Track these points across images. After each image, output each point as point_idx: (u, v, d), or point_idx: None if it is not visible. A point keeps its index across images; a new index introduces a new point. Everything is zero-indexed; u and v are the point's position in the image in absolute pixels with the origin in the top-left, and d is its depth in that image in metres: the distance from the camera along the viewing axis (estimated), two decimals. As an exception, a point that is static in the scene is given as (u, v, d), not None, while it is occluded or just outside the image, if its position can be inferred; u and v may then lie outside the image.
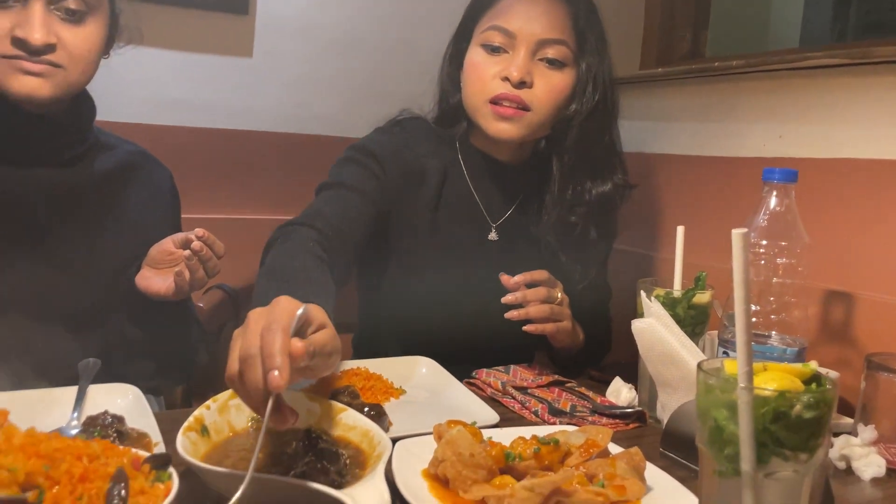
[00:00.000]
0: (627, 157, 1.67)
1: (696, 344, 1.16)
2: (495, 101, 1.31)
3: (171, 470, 0.67)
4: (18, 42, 1.06)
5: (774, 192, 1.09)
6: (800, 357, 1.06)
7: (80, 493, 0.59)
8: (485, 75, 1.32)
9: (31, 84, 1.08)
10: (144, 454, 0.68)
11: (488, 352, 1.41)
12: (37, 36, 1.05)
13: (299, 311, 0.77)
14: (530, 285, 1.26)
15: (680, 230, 1.20)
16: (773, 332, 1.09)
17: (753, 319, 1.10)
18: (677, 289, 1.17)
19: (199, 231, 1.11)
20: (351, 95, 1.98)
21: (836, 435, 1.02)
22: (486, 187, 1.44)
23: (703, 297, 1.15)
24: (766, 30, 2.64)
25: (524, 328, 1.26)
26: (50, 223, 1.18)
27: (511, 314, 1.24)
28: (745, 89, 1.50)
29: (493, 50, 1.32)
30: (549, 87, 1.31)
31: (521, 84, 1.29)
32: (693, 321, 1.14)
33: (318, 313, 0.81)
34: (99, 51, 1.15)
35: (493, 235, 1.44)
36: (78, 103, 1.20)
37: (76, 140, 1.22)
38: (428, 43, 1.50)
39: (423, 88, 1.49)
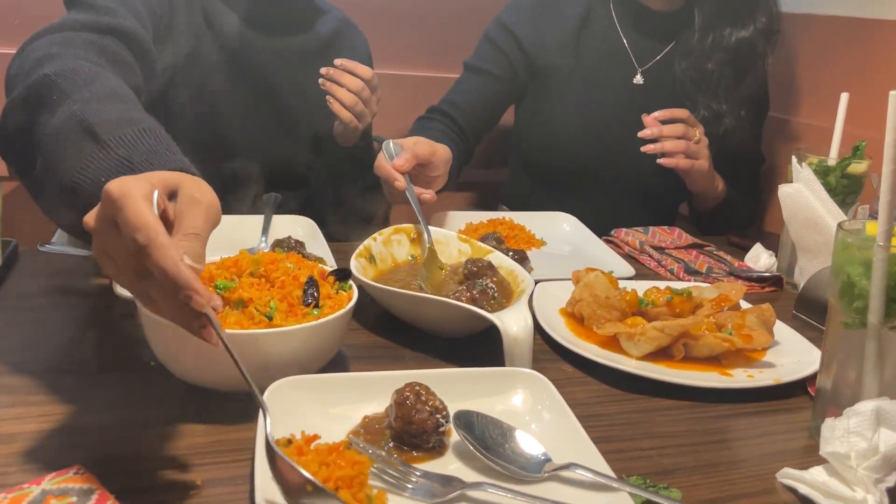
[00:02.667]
0: (791, 18, 1.58)
1: (846, 213, 1.15)
2: None
3: (351, 282, 0.80)
4: None
5: (954, 59, 1.02)
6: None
7: (284, 295, 0.72)
8: None
9: None
10: (328, 268, 0.81)
11: (629, 202, 1.48)
12: None
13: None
14: (670, 124, 1.34)
15: (844, 97, 1.16)
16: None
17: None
18: (833, 157, 1.14)
19: (338, 61, 1.24)
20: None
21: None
22: (634, 32, 1.48)
23: (858, 167, 1.13)
24: None
25: (658, 161, 1.34)
26: (286, 84, 1.32)
27: (647, 147, 1.33)
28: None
29: None
30: None
31: None
32: (845, 191, 1.13)
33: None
34: None
35: (638, 79, 1.48)
36: None
37: (305, 4, 1.35)
38: None
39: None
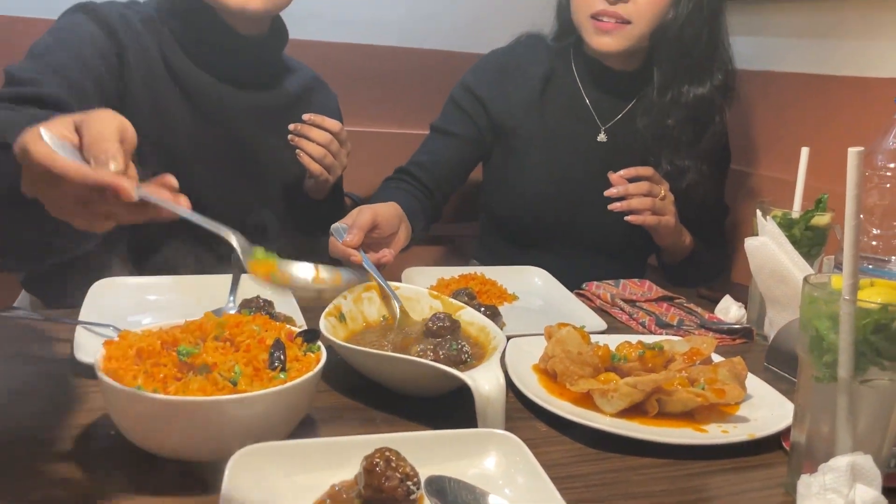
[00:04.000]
0: (754, 76, 1.63)
1: (812, 265, 1.17)
2: (596, 17, 1.38)
3: (320, 343, 0.78)
4: None
5: (907, 115, 1.06)
6: (919, 283, 1.05)
7: (249, 359, 0.71)
8: None
9: None
10: (297, 329, 0.79)
11: (597, 257, 1.49)
12: None
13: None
14: (635, 181, 1.36)
15: (804, 151, 1.18)
16: (894, 258, 1.08)
17: (874, 243, 1.09)
18: (796, 210, 1.16)
19: (306, 116, 1.25)
20: (481, 10, 1.99)
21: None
22: (596, 92, 1.51)
23: (821, 220, 1.15)
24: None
25: (625, 219, 1.36)
26: (252, 140, 1.32)
27: (614, 206, 1.36)
28: (887, 6, 1.42)
29: None
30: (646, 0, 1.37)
31: (618, 0, 1.36)
32: (810, 243, 1.15)
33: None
34: None
35: (601, 137, 1.50)
36: (275, 26, 1.34)
37: (274, 62, 1.37)
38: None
39: (550, 3, 1.55)
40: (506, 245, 1.58)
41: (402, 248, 1.22)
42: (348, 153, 1.31)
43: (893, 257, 1.08)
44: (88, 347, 0.88)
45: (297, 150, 1.25)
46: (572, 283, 1.35)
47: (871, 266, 1.05)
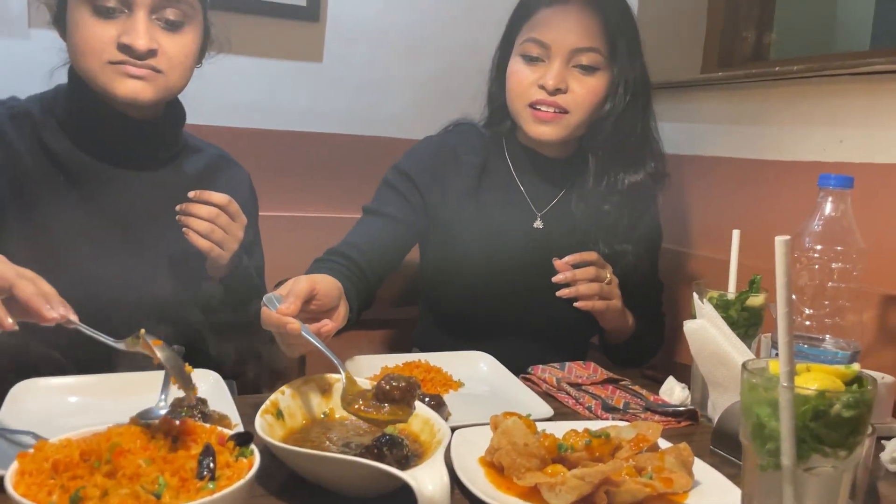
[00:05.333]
0: (686, 160, 1.70)
1: (750, 345, 1.18)
2: (534, 106, 1.41)
3: (253, 447, 0.74)
4: (124, 48, 1.17)
5: (830, 198, 1.10)
6: (853, 360, 1.07)
7: (175, 468, 0.67)
8: (524, 83, 1.42)
9: (135, 87, 1.19)
10: (229, 432, 0.76)
11: (540, 341, 1.48)
12: (141, 42, 1.16)
13: None
14: (581, 266, 1.37)
15: (735, 234, 1.22)
16: (828, 336, 1.11)
17: (808, 323, 1.12)
18: (731, 291, 1.19)
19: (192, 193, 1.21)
20: (416, 98, 2.05)
21: (888, 439, 1.03)
22: (530, 179, 1.53)
23: (756, 300, 1.17)
24: (834, 30, 2.59)
25: (574, 305, 1.36)
26: (145, 221, 1.28)
27: (562, 292, 1.36)
28: (806, 93, 1.50)
29: (531, 60, 1.42)
30: (585, 90, 1.40)
31: (557, 91, 1.40)
32: (746, 323, 1.17)
33: None
34: (194, 58, 1.26)
35: (538, 224, 1.51)
36: (171, 108, 1.31)
37: (170, 143, 1.33)
38: (490, 45, 1.57)
39: (484, 89, 1.58)
40: (446, 331, 1.55)
41: (339, 330, 1.15)
42: (243, 226, 1.25)
43: (827, 336, 1.11)
44: (3, 458, 0.82)
45: (184, 229, 1.20)
46: (518, 366, 1.33)
47: (806, 346, 1.07)
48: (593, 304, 1.37)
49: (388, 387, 0.90)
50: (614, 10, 1.42)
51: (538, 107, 1.41)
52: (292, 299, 0.99)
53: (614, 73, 1.42)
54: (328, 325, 1.03)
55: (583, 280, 1.37)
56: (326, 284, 1.07)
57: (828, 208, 1.10)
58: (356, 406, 0.87)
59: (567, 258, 1.38)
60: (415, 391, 0.92)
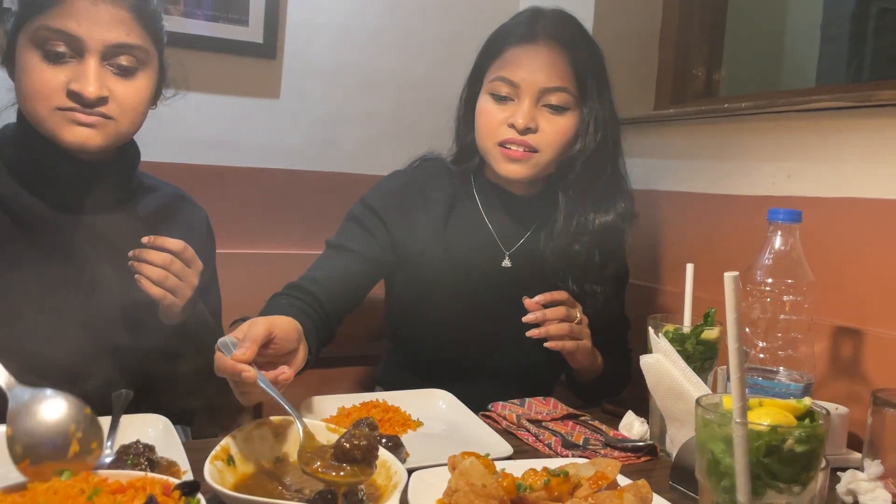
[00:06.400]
0: (641, 195, 1.72)
1: (706, 378, 1.19)
2: (504, 145, 1.40)
3: (200, 496, 0.72)
4: (73, 95, 1.13)
5: (779, 232, 1.12)
6: (807, 392, 1.09)
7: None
8: (493, 121, 1.41)
9: (83, 134, 1.15)
10: (175, 481, 0.73)
11: (507, 380, 1.47)
12: (91, 89, 1.13)
13: None
14: (551, 306, 1.35)
15: (689, 268, 1.23)
16: (781, 368, 1.12)
17: (761, 355, 1.13)
18: (687, 325, 1.20)
19: (145, 238, 1.17)
20: (375, 133, 2.06)
21: (844, 470, 1.04)
22: (499, 217, 1.51)
23: (711, 334, 1.18)
24: (781, 68, 2.68)
25: (545, 345, 1.33)
26: (97, 264, 1.24)
27: (532, 332, 1.33)
28: (756, 129, 1.54)
29: (500, 99, 1.42)
30: (554, 130, 1.40)
31: (527, 130, 1.39)
32: (702, 356, 1.18)
33: None
34: (147, 102, 1.23)
35: (506, 262, 1.50)
36: (124, 149, 1.27)
37: (123, 184, 1.30)
38: (449, 81, 1.57)
39: (445, 125, 1.57)
40: (411, 370, 1.53)
41: (299, 371, 1.10)
42: (199, 272, 1.22)
43: (781, 368, 1.12)
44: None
45: (136, 276, 1.16)
46: (480, 405, 1.32)
47: (760, 378, 1.08)
48: (563, 345, 1.35)
49: (348, 445, 0.87)
50: (583, 50, 1.42)
51: (508, 145, 1.39)
52: (248, 344, 0.95)
53: (584, 112, 1.41)
54: (285, 372, 0.99)
55: (553, 320, 1.35)
56: (285, 327, 1.03)
57: (777, 242, 1.12)
58: (314, 466, 0.84)
59: (537, 297, 1.36)
60: (376, 449, 0.89)
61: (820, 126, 1.41)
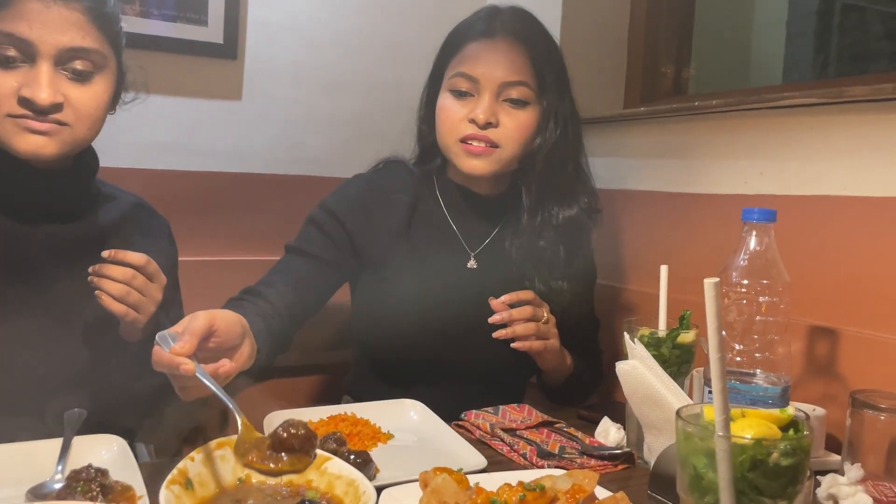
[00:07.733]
0: (611, 194, 1.70)
1: (683, 382, 1.17)
2: (465, 141, 1.39)
3: (152, 528, 0.67)
4: (25, 101, 1.07)
5: (754, 232, 1.10)
6: (784, 395, 1.07)
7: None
8: (454, 118, 1.40)
9: (36, 142, 1.09)
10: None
11: (477, 382, 1.44)
12: (43, 96, 1.06)
13: None
14: (517, 305, 1.34)
15: (664, 269, 1.21)
16: (758, 371, 1.09)
17: (738, 358, 1.11)
18: (662, 328, 1.17)
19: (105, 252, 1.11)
20: (341, 136, 2.01)
21: (824, 473, 1.02)
22: (463, 218, 1.50)
23: (687, 337, 1.16)
24: (748, 65, 2.68)
25: (512, 345, 1.32)
26: (54, 277, 1.18)
27: (498, 333, 1.33)
28: (726, 127, 1.52)
29: (460, 95, 1.40)
30: (515, 124, 1.39)
31: (488, 125, 1.38)
32: (678, 360, 1.15)
33: None
34: (105, 108, 1.16)
35: (472, 263, 1.48)
36: (81, 157, 1.21)
37: (80, 193, 1.24)
38: (416, 82, 1.54)
39: (412, 127, 1.55)
40: (379, 376, 1.49)
41: (246, 369, 1.05)
42: (162, 287, 1.16)
43: (758, 371, 1.10)
44: None
45: (97, 291, 1.10)
46: (454, 410, 1.28)
47: (737, 382, 1.06)
48: (531, 345, 1.34)
49: (285, 434, 0.84)
50: (541, 45, 1.42)
51: (469, 141, 1.38)
52: (187, 337, 0.93)
53: (544, 106, 1.41)
54: (226, 365, 0.96)
55: (519, 320, 1.34)
56: (227, 320, 1.00)
57: (752, 242, 1.10)
58: (250, 457, 0.81)
59: (503, 297, 1.35)
60: (314, 438, 0.86)
61: (791, 123, 1.40)
